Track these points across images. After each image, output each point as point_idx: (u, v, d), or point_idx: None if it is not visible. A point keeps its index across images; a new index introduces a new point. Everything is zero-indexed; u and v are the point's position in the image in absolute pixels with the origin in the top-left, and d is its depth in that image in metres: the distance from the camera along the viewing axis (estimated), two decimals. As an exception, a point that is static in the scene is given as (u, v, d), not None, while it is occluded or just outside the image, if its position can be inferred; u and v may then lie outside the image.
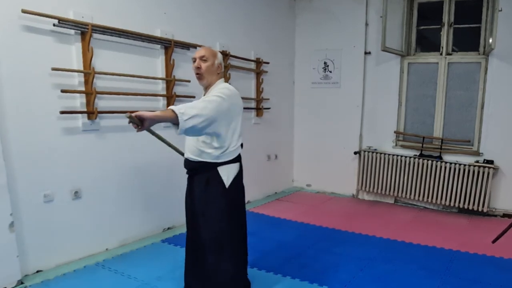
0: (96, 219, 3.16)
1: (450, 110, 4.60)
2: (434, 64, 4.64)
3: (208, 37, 4.00)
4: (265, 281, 2.73)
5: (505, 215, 4.33)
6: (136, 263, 3.02)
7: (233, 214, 2.19)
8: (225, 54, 4.17)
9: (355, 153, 5.16)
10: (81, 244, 3.07)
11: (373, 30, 4.92)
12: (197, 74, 2.14)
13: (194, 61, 2.14)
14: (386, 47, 4.44)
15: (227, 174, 2.13)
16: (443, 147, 4.61)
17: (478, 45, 4.39)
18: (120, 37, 3.17)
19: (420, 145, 4.74)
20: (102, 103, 3.10)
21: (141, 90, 3.42)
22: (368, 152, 5.02)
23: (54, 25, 2.73)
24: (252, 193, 4.84)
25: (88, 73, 2.94)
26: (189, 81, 3.76)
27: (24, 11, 2.53)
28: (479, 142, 4.44)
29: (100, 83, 3.07)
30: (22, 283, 2.64)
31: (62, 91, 2.79)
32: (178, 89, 3.72)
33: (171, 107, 1.81)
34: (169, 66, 3.60)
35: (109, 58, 3.14)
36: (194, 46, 3.79)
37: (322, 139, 5.48)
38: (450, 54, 4.56)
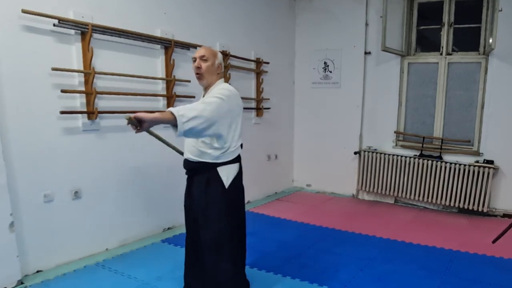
0: (96, 219, 3.16)
1: (450, 110, 4.60)
2: (434, 64, 4.64)
3: (208, 37, 4.00)
4: (265, 281, 2.73)
5: (505, 215, 4.33)
6: (136, 263, 3.02)
7: (233, 214, 2.18)
8: (225, 54, 4.17)
9: (355, 153, 5.16)
10: (81, 244, 3.07)
11: (373, 30, 4.92)
12: (197, 74, 2.14)
13: (194, 61, 2.13)
14: (386, 47, 4.44)
15: (226, 175, 2.13)
16: (443, 147, 4.61)
17: (478, 45, 4.39)
18: (120, 37, 3.17)
19: (420, 145, 4.74)
20: (102, 103, 3.10)
21: (141, 90, 3.42)
22: (368, 152, 5.02)
23: (54, 25, 2.73)
24: (252, 193, 4.84)
25: (88, 73, 2.94)
26: (189, 81, 3.76)
27: (24, 11, 2.53)
28: (479, 142, 4.44)
29: (100, 83, 3.07)
30: (22, 283, 2.64)
31: (62, 91, 2.79)
32: (178, 89, 3.72)
33: (170, 109, 1.81)
34: (169, 66, 3.60)
35: (109, 58, 3.14)
36: (194, 46, 3.79)
37: (322, 139, 5.48)
38: (450, 54, 4.56)
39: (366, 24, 4.96)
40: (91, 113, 2.98)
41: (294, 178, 5.85)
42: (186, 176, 2.28)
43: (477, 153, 4.44)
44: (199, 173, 2.15)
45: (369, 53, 5.00)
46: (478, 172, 4.29)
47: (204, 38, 3.92)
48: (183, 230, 2.65)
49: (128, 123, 1.71)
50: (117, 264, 2.99)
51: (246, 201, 2.46)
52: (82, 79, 2.96)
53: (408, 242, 3.52)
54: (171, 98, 3.62)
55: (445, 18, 4.50)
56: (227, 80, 4.16)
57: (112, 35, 3.11)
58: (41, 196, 2.79)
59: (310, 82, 5.49)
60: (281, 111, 5.42)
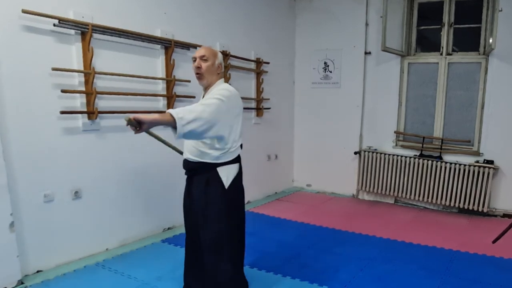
0: (96, 219, 3.16)
1: (450, 110, 4.60)
2: (434, 64, 4.64)
3: (208, 37, 4.00)
4: (265, 281, 2.74)
5: (505, 215, 4.33)
6: (136, 263, 3.02)
7: (233, 214, 2.18)
8: (225, 54, 4.17)
9: (355, 153, 5.16)
10: (81, 244, 3.07)
11: (373, 30, 4.92)
12: (197, 74, 2.13)
13: (194, 61, 2.13)
14: (386, 47, 4.44)
15: (226, 175, 2.12)
16: (443, 147, 4.61)
17: (478, 45, 4.39)
18: (120, 37, 3.17)
19: (420, 145, 4.74)
20: (102, 103, 3.10)
21: (141, 90, 3.42)
22: (368, 152, 5.02)
23: (54, 25, 2.73)
24: (252, 193, 4.84)
25: (88, 73, 2.94)
26: (189, 81, 3.76)
27: (24, 11, 2.53)
28: (479, 142, 4.44)
29: (100, 83, 3.07)
30: (22, 283, 2.64)
31: (62, 91, 2.79)
32: (178, 89, 3.72)
33: (170, 110, 1.80)
34: (169, 66, 3.60)
35: (109, 58, 3.14)
36: (194, 46, 3.79)
37: (322, 139, 5.48)
38: (450, 54, 4.56)
39: (366, 24, 4.96)
40: (91, 113, 2.99)
41: (294, 178, 5.85)
42: (185, 176, 2.28)
43: (477, 153, 4.44)
44: (199, 173, 2.15)
45: (369, 53, 5.00)
46: (478, 172, 4.29)
47: (204, 38, 3.92)
48: (183, 230, 2.65)
49: (128, 124, 1.72)
50: (117, 264, 2.99)
51: (246, 201, 2.46)
52: (82, 79, 2.96)
53: (408, 242, 3.52)
54: (171, 98, 3.62)
55: (445, 18, 4.50)
56: (227, 80, 4.16)
57: (112, 35, 3.12)
58: (41, 196, 2.79)
59: (310, 82, 5.49)
60: (281, 111, 5.42)
